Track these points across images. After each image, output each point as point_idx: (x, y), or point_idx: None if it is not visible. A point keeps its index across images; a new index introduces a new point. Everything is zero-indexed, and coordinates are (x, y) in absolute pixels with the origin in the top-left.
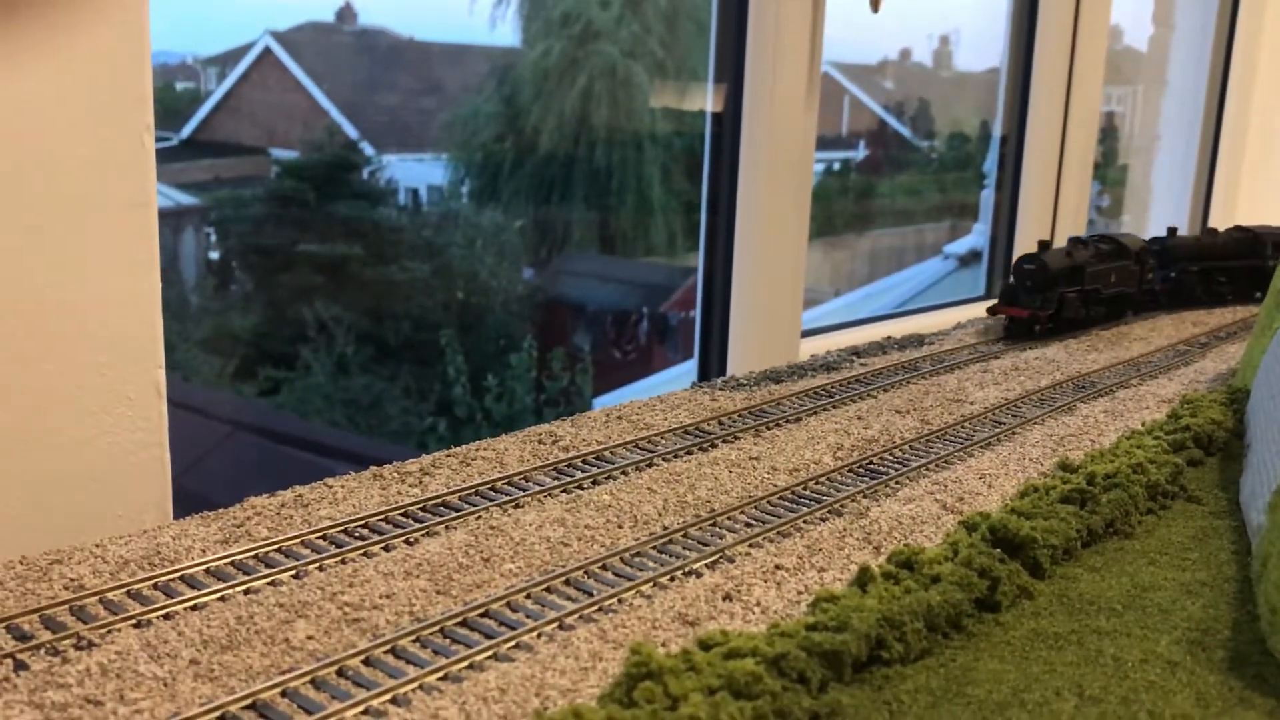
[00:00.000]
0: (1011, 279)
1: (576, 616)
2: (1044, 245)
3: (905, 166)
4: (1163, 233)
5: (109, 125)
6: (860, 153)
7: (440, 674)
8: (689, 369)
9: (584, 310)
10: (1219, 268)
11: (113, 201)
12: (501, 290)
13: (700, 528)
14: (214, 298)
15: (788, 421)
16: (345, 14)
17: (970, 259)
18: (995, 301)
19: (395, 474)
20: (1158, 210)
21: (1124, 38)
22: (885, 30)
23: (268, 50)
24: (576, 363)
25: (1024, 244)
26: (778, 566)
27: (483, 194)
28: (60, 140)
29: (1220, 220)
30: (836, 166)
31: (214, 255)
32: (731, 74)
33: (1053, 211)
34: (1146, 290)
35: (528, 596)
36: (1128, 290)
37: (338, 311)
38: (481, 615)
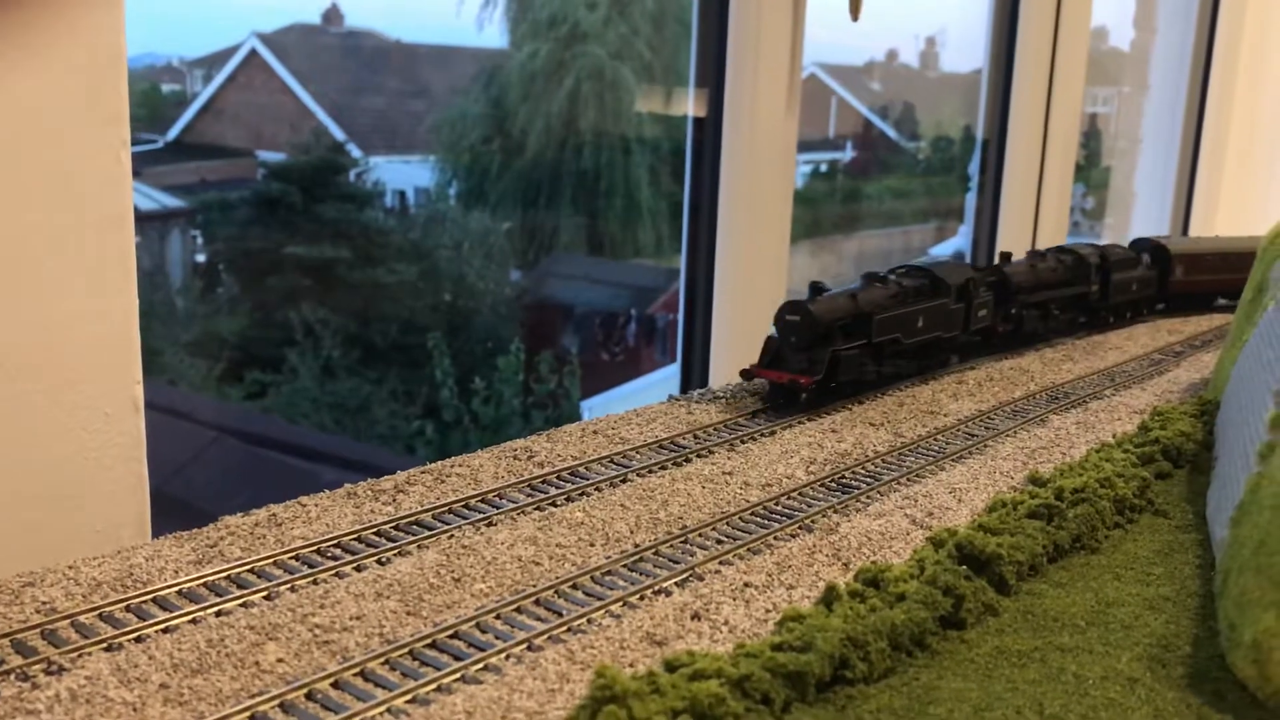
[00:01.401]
0: (774, 332)
1: (545, 637)
2: (817, 288)
3: (892, 168)
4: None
5: (84, 143)
6: (847, 154)
7: (408, 697)
8: (677, 371)
9: (572, 312)
10: (1053, 298)
11: (88, 219)
12: (489, 293)
13: (671, 545)
14: (200, 301)
15: (762, 435)
16: (332, 16)
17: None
18: (754, 363)
19: (369, 491)
20: (1140, 213)
21: (1109, 38)
22: (873, 32)
23: (254, 52)
24: (564, 365)
25: (1006, 246)
26: (747, 584)
27: (470, 196)
28: (35, 158)
29: (1201, 226)
30: (823, 168)
31: (200, 258)
32: (713, 79)
33: (1034, 215)
34: (979, 330)
35: (497, 617)
36: (945, 335)
37: (325, 314)
38: (451, 637)
